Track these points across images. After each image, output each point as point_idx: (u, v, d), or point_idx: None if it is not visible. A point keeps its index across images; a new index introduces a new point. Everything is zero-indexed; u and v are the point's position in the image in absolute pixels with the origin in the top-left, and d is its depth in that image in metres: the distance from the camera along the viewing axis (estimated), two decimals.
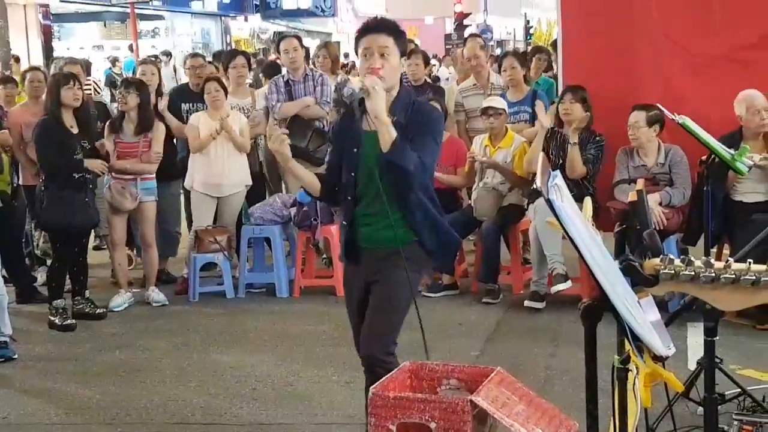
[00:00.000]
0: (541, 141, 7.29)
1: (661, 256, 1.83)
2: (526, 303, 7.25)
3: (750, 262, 1.76)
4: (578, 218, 2.61)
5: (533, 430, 3.09)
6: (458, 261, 8.12)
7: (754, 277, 1.72)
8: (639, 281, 1.88)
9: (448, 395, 3.48)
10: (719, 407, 4.70)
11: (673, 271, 1.80)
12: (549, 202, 2.31)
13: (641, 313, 2.36)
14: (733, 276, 1.75)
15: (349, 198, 4.11)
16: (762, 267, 1.74)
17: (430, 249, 4.10)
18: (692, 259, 1.80)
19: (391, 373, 3.40)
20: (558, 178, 2.56)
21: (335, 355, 6.16)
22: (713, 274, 1.76)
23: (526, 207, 7.66)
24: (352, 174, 4.08)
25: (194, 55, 9.84)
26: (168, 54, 20.90)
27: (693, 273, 1.77)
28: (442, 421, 3.12)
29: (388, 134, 3.80)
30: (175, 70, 19.42)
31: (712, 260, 1.78)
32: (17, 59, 16.68)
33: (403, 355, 4.04)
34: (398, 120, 3.90)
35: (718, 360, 4.00)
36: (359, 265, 4.16)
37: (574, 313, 7.65)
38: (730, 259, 1.79)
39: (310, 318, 7.20)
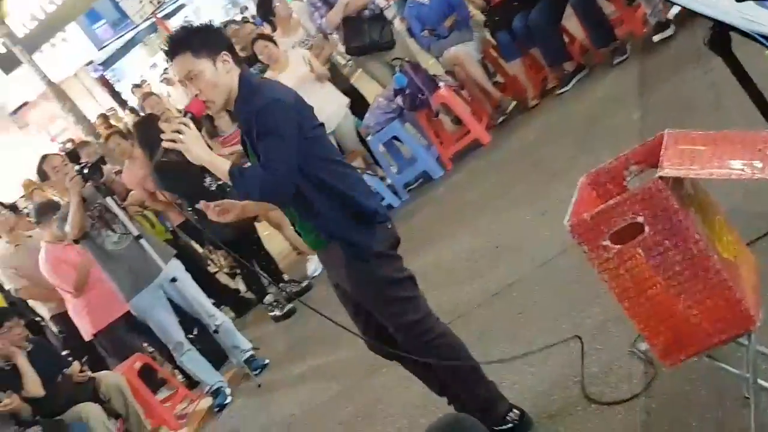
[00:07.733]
0: None
1: None
2: (655, 38, 6.90)
3: None
4: None
5: (733, 165, 2.95)
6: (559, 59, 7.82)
7: None
8: None
9: (636, 184, 3.36)
10: None
11: None
12: None
13: (759, 11, 2.19)
14: None
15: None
16: None
17: (343, 237, 3.52)
18: None
19: (573, 198, 3.30)
20: None
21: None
22: None
23: None
24: None
25: None
26: None
27: None
28: (645, 210, 3.01)
29: (219, 172, 3.49)
30: None
31: None
32: None
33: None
34: (244, 122, 3.53)
35: None
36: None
37: (703, 22, 7.22)
38: None
39: (468, 182, 7.13)
